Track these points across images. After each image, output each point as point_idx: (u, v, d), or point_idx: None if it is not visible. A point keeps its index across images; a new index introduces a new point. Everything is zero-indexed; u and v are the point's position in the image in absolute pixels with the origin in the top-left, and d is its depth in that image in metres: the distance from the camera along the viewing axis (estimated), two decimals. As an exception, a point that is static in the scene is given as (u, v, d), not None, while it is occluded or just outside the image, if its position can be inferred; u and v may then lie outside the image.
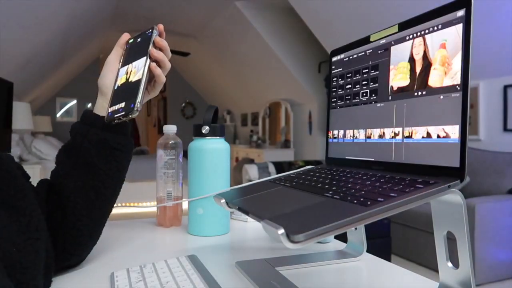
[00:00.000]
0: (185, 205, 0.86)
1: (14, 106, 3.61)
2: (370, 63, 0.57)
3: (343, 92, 0.64)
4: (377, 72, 0.56)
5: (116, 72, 0.65)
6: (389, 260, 2.11)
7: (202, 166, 0.79)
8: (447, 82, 0.45)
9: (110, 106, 0.61)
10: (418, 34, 0.49)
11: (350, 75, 0.62)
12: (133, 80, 0.61)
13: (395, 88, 0.52)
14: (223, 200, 0.55)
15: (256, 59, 5.90)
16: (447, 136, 0.45)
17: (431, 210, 0.47)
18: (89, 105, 7.49)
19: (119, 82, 0.63)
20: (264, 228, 0.39)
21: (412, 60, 0.50)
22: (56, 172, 0.61)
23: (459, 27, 0.44)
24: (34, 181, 0.57)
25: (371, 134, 0.56)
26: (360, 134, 0.59)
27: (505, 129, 3.12)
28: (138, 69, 0.61)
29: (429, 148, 0.47)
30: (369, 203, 0.40)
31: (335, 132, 0.65)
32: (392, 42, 0.53)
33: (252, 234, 0.82)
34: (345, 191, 0.46)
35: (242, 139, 7.88)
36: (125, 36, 0.68)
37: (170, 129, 0.88)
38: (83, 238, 0.59)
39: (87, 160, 0.59)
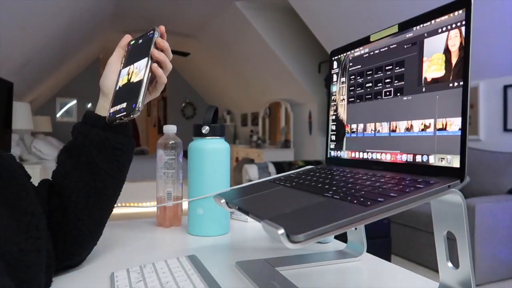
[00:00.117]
0: (185, 205, 0.86)
1: (14, 106, 3.62)
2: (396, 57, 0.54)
3: (362, 89, 0.61)
4: (403, 66, 0.53)
5: (117, 73, 0.65)
6: (389, 260, 2.11)
7: (202, 166, 0.79)
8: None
9: (112, 107, 0.62)
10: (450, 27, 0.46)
11: (371, 70, 0.59)
12: (134, 81, 0.61)
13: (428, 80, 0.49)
14: (223, 200, 0.55)
15: (256, 59, 5.90)
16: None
17: (431, 210, 0.47)
18: (89, 105, 7.49)
19: (120, 83, 0.64)
20: (264, 228, 0.39)
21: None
22: (57, 172, 0.61)
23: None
24: (34, 181, 0.57)
25: (396, 127, 0.54)
26: (383, 128, 0.56)
27: (505, 129, 3.12)
28: (139, 70, 0.61)
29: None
30: (369, 203, 0.40)
31: (353, 126, 0.63)
32: (425, 35, 0.50)
33: (252, 234, 0.82)
34: (345, 191, 0.46)
35: (242, 139, 7.88)
36: (127, 38, 0.69)
37: (170, 129, 0.88)
38: (84, 238, 0.59)
39: (89, 160, 0.59)
